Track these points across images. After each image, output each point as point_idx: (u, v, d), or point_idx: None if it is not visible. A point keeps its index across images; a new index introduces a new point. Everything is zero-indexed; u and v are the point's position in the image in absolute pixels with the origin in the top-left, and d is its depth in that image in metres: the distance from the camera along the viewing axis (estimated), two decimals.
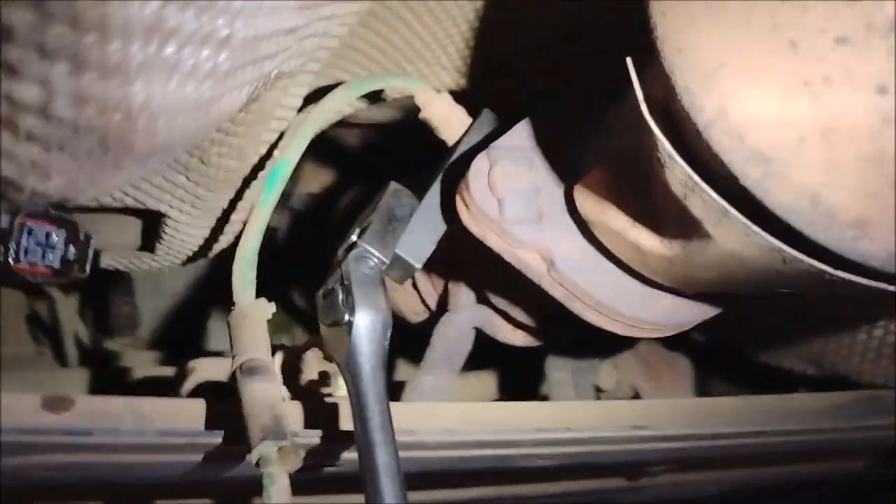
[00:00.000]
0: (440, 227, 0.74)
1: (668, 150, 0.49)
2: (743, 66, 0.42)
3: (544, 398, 0.99)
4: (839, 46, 0.38)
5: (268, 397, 0.58)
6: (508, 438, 0.74)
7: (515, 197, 0.67)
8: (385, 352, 0.63)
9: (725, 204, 0.48)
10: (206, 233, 0.81)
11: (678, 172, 0.49)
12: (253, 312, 0.65)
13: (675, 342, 1.07)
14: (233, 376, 0.61)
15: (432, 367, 0.94)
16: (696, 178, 0.48)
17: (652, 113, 0.49)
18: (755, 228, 0.48)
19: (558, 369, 0.98)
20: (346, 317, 0.63)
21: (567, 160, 0.69)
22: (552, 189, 0.69)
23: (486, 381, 1.04)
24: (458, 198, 0.69)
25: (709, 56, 0.44)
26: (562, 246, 0.68)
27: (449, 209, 0.74)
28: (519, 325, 0.86)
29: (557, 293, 0.69)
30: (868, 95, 0.38)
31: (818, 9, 0.38)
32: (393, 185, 0.73)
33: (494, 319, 0.88)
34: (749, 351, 0.98)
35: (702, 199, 0.49)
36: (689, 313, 0.69)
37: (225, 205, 0.79)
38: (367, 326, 0.62)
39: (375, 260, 0.67)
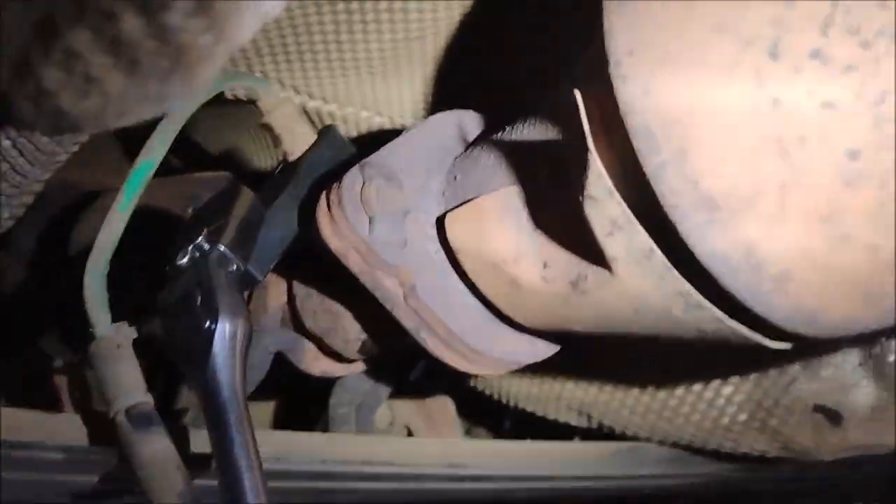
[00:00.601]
0: (285, 241, 0.70)
1: (607, 187, 0.50)
2: (716, 116, 0.45)
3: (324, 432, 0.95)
4: (824, 111, 0.42)
5: (169, 455, 0.51)
6: (329, 470, 0.70)
7: (386, 217, 0.65)
8: (245, 365, 0.57)
9: (654, 246, 0.50)
10: None
11: (611, 210, 0.50)
12: (119, 341, 0.56)
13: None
14: (112, 423, 0.53)
15: None
16: (632, 218, 0.50)
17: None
18: (675, 273, 0.51)
19: (342, 404, 0.95)
20: (207, 323, 0.56)
21: (438, 185, 0.68)
22: (419, 214, 0.68)
23: (264, 410, 0.98)
24: (321, 211, 0.65)
25: (678, 100, 0.46)
26: (425, 273, 0.66)
27: (302, 223, 0.71)
28: (330, 353, 0.83)
29: (409, 322, 0.67)
30: (838, 158, 0.42)
31: (810, 73, 0.42)
32: (246, 190, 0.67)
33: (302, 345, 0.84)
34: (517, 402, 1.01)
35: (628, 239, 0.51)
36: (531, 351, 0.71)
37: None
38: (230, 334, 0.57)
39: (235, 265, 0.62)
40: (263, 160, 1.04)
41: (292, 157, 0.75)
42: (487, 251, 0.62)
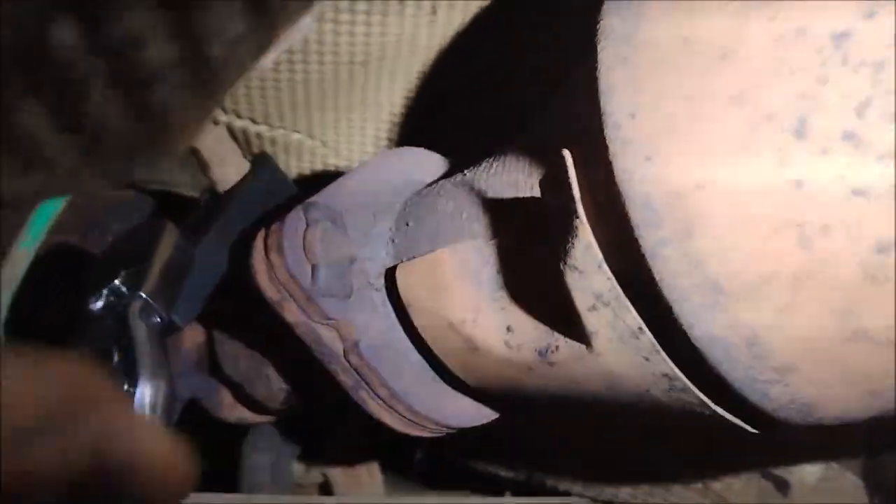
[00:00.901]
0: (210, 284, 0.63)
1: (596, 260, 0.45)
2: (729, 194, 0.40)
3: (234, 481, 0.88)
4: (854, 198, 0.38)
5: None
6: None
7: (330, 266, 0.58)
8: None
9: (643, 326, 0.46)
10: None
11: (597, 284, 0.45)
12: None
13: None
14: None
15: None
16: (621, 295, 0.45)
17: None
18: (663, 356, 0.46)
19: (258, 452, 0.88)
20: (124, 387, 0.49)
21: (385, 231, 0.62)
22: (364, 263, 0.61)
23: None
24: (257, 256, 0.59)
25: (686, 173, 0.41)
26: (370, 328, 0.60)
27: (231, 264, 0.63)
28: (247, 402, 0.76)
29: (347, 380, 0.61)
30: (864, 250, 0.38)
31: (841, 156, 0.38)
32: (171, 227, 0.60)
33: (218, 392, 0.76)
34: (449, 451, 0.96)
35: (613, 316, 0.46)
36: (476, 415, 0.65)
37: None
38: (151, 401, 0.49)
39: (158, 316, 0.54)
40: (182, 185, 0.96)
41: (220, 187, 0.67)
42: (443, 309, 0.56)
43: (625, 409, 0.53)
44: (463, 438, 0.88)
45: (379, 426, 0.63)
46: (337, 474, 0.94)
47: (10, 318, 0.55)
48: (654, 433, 0.81)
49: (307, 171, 0.89)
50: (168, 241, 0.58)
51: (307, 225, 0.58)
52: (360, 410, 0.63)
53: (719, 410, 0.48)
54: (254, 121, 0.85)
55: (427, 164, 0.68)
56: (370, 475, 0.95)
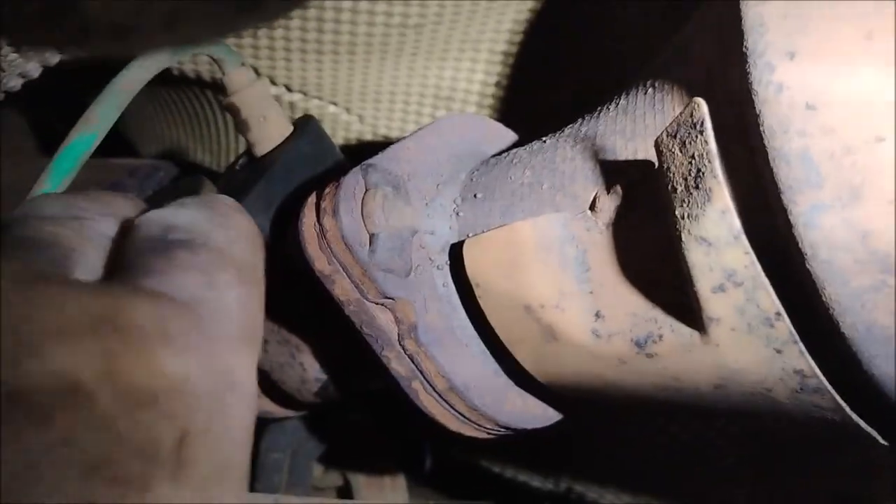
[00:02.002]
0: None
1: (733, 229, 0.38)
2: None
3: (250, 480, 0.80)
4: None
5: None
6: None
7: (391, 237, 0.51)
8: None
9: (782, 312, 0.38)
10: None
11: (731, 259, 0.38)
12: None
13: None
14: None
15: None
16: (760, 273, 0.38)
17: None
18: (800, 348, 0.39)
19: (276, 450, 0.80)
20: None
21: (449, 203, 0.55)
22: (425, 236, 0.54)
23: None
24: (307, 221, 0.51)
25: (860, 124, 0.34)
26: (429, 311, 0.53)
27: (273, 234, 0.56)
28: (274, 393, 0.68)
29: (400, 369, 0.54)
30: None
31: None
32: (210, 185, 0.52)
33: None
34: (479, 459, 0.89)
35: (744, 299, 0.39)
36: (540, 417, 0.58)
37: None
38: None
39: None
40: (202, 154, 0.88)
41: (259, 149, 0.60)
42: (520, 290, 0.49)
43: (731, 410, 0.46)
44: (484, 441, 0.81)
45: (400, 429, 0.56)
46: (359, 478, 0.87)
47: None
48: (713, 445, 0.74)
49: (339, 147, 0.83)
50: None
51: (367, 189, 0.51)
52: (407, 406, 0.56)
53: (855, 417, 0.41)
54: (289, 88, 0.79)
55: (491, 131, 0.61)
56: (394, 482, 0.88)
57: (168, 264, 0.33)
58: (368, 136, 0.84)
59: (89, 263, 0.34)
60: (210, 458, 0.29)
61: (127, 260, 0.34)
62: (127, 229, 0.36)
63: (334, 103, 0.81)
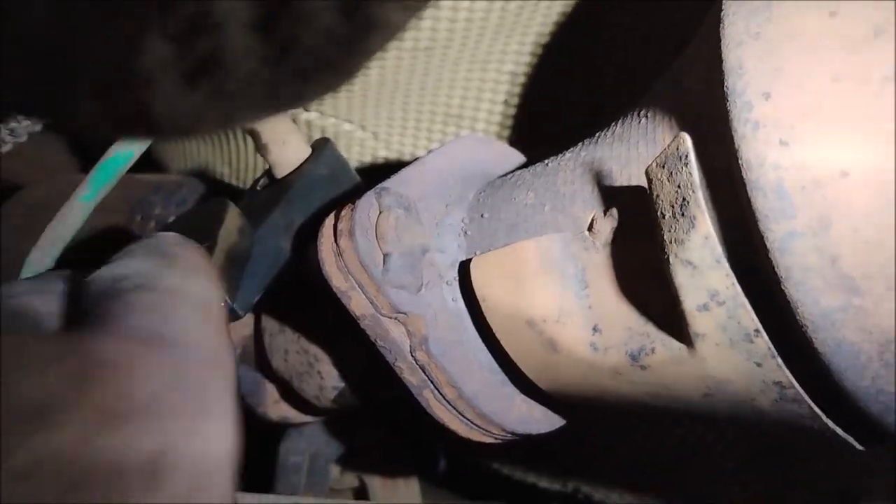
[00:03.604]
0: (269, 272, 0.59)
1: (715, 254, 0.41)
2: (876, 184, 0.37)
3: (269, 480, 0.84)
4: None
5: None
6: None
7: (403, 256, 0.55)
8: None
9: (760, 328, 0.42)
10: None
11: (713, 281, 0.42)
12: None
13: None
14: None
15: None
16: (740, 294, 0.41)
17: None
18: (778, 362, 0.42)
19: (295, 453, 0.84)
20: None
21: (458, 222, 0.59)
22: (435, 254, 0.58)
23: None
24: (325, 242, 0.55)
25: (829, 159, 0.38)
26: (439, 324, 0.56)
27: (294, 253, 0.60)
28: (293, 399, 0.72)
29: (412, 379, 0.57)
30: None
31: None
32: (234, 209, 0.56)
33: (263, 388, 0.72)
34: (490, 462, 0.92)
35: (726, 317, 0.42)
36: (544, 422, 0.61)
37: None
38: None
39: (223, 300, 0.50)
40: (226, 171, 0.92)
41: (278, 171, 0.64)
42: (523, 305, 0.53)
43: (720, 417, 0.49)
44: (492, 446, 0.84)
45: (414, 433, 0.59)
46: (374, 480, 0.90)
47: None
48: (717, 446, 0.77)
49: (354, 164, 0.86)
50: (232, 223, 0.54)
51: (380, 211, 0.55)
52: (417, 413, 0.59)
53: (831, 424, 0.45)
54: (306, 108, 0.82)
55: (497, 153, 0.65)
56: (408, 484, 0.92)
57: (123, 308, 0.33)
58: (382, 152, 0.87)
59: (48, 324, 0.35)
60: (185, 477, 0.29)
61: (82, 313, 0.34)
62: (78, 290, 0.36)
63: (349, 121, 0.85)
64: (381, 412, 0.86)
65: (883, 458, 0.71)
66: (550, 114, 0.79)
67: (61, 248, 0.51)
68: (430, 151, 0.60)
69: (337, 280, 0.55)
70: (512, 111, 0.81)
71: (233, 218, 0.54)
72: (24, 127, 0.50)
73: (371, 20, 0.19)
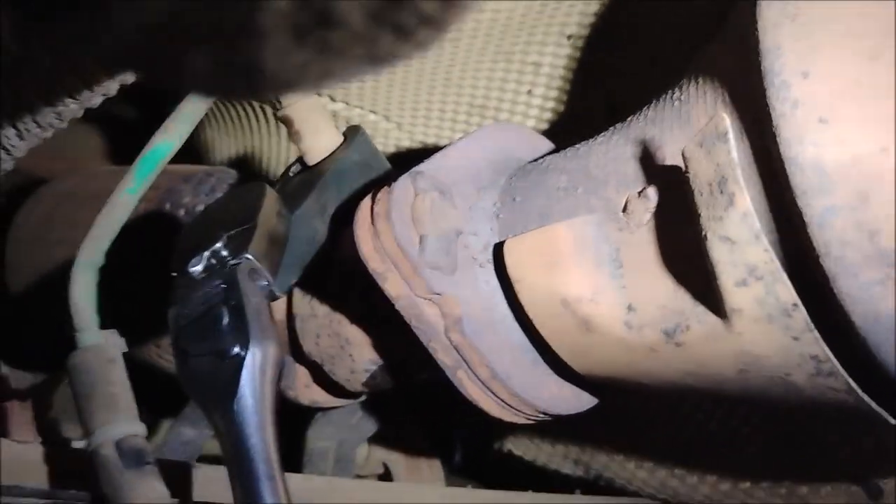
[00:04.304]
0: (308, 254, 0.60)
1: (753, 230, 0.42)
2: None
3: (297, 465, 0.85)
4: None
5: None
6: None
7: (439, 238, 0.56)
8: (278, 400, 0.48)
9: (798, 302, 0.43)
10: None
11: (752, 256, 0.43)
12: (110, 354, 0.46)
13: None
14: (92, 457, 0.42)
15: (193, 417, 0.77)
16: (779, 268, 0.42)
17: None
18: (815, 335, 0.43)
19: (323, 438, 0.85)
20: (236, 349, 0.46)
21: (491, 205, 0.60)
22: (469, 237, 0.59)
23: None
24: (362, 224, 0.56)
25: (866, 136, 0.39)
26: (473, 305, 0.57)
27: (331, 237, 0.61)
28: (324, 383, 0.73)
29: (446, 359, 0.58)
30: None
31: None
32: (271, 192, 0.57)
33: (294, 371, 0.74)
34: (512, 448, 0.93)
35: (765, 291, 0.43)
36: (576, 403, 0.63)
37: None
38: (261, 363, 0.47)
39: (266, 280, 0.52)
40: (256, 161, 0.93)
41: (311, 158, 0.65)
42: (557, 286, 0.54)
43: (753, 394, 0.50)
44: (519, 429, 0.85)
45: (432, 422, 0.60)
46: (398, 465, 0.91)
47: (106, 266, 0.53)
48: (738, 433, 0.78)
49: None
50: (270, 205, 0.55)
51: (416, 194, 0.56)
52: (436, 401, 0.60)
53: (866, 398, 0.46)
54: (332, 98, 0.83)
55: (527, 140, 0.66)
56: (430, 467, 0.93)
57: None
58: (406, 143, 0.88)
59: None
60: None
61: None
62: None
63: (374, 112, 0.86)
64: (403, 400, 0.87)
65: None
66: (575, 102, 0.80)
67: (110, 240, 0.52)
68: (460, 138, 0.61)
69: (374, 262, 0.56)
70: (536, 101, 0.82)
71: (271, 201, 0.55)
72: (21, 145, 0.50)
73: None
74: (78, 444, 0.62)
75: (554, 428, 0.88)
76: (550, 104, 0.81)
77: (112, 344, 0.50)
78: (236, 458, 0.45)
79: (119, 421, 0.48)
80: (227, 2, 0.17)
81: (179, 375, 0.48)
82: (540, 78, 0.81)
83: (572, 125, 0.75)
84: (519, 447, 0.92)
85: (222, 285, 0.49)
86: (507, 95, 0.83)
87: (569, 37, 0.78)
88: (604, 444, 0.88)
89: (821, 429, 0.74)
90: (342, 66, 0.19)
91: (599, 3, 0.77)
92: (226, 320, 0.47)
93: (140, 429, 0.49)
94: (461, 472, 1.04)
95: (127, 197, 0.52)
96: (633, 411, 0.83)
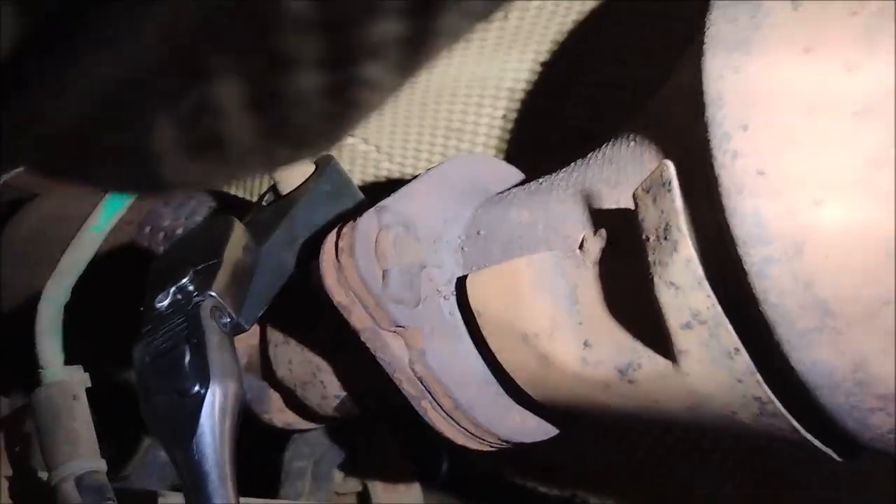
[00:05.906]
0: (275, 287, 0.62)
1: (696, 276, 0.43)
2: (847, 213, 0.39)
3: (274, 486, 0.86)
4: None
5: None
6: None
7: (402, 272, 0.57)
8: (238, 435, 0.49)
9: (741, 347, 0.44)
10: None
11: (695, 301, 0.44)
12: (74, 390, 0.47)
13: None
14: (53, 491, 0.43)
15: None
16: (721, 314, 0.43)
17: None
18: (757, 378, 0.45)
19: (299, 458, 0.86)
20: (196, 387, 0.48)
21: (455, 238, 0.61)
22: (433, 270, 0.60)
23: None
24: (327, 258, 0.57)
25: (803, 189, 0.40)
26: (436, 338, 0.59)
27: (298, 268, 0.62)
28: (297, 407, 0.74)
29: (411, 389, 0.59)
30: None
31: None
32: (239, 226, 0.58)
33: (268, 396, 0.75)
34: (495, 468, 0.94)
35: (708, 335, 0.44)
36: (538, 431, 0.64)
37: None
38: (221, 403, 0.48)
39: (229, 317, 0.53)
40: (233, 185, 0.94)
41: (283, 187, 0.66)
42: (517, 320, 0.55)
43: (706, 430, 0.51)
44: (501, 452, 0.86)
45: (416, 437, 0.61)
46: (376, 484, 0.92)
47: (72, 303, 0.54)
48: (711, 455, 0.79)
49: (357, 176, 0.88)
50: (237, 241, 0.56)
51: (380, 229, 0.57)
52: (418, 422, 0.62)
53: (809, 437, 0.47)
54: None
55: (494, 170, 0.67)
56: (409, 487, 0.94)
57: None
58: (385, 164, 0.89)
59: None
60: None
61: None
62: None
63: (352, 135, 0.87)
64: (383, 417, 0.88)
65: (879, 467, 0.73)
66: (548, 128, 0.81)
67: (75, 278, 0.53)
68: (429, 168, 0.62)
69: (338, 295, 0.57)
70: (511, 126, 0.83)
71: (238, 236, 0.56)
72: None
73: (356, 101, 0.21)
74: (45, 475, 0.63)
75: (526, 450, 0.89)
76: (526, 129, 0.82)
77: (76, 380, 0.51)
78: (196, 494, 0.46)
79: (80, 457, 0.49)
80: (127, 123, 0.18)
81: (142, 412, 0.49)
82: (514, 104, 0.82)
83: (545, 151, 0.76)
84: (496, 466, 0.93)
85: (185, 322, 0.50)
86: (483, 120, 0.84)
87: (542, 63, 0.79)
88: (577, 463, 0.89)
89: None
90: (241, 171, 0.20)
91: (574, 31, 0.78)
92: (187, 358, 0.48)
93: (101, 465, 0.50)
94: (447, 486, 1.05)
95: (92, 235, 0.53)
96: (605, 431, 0.84)
